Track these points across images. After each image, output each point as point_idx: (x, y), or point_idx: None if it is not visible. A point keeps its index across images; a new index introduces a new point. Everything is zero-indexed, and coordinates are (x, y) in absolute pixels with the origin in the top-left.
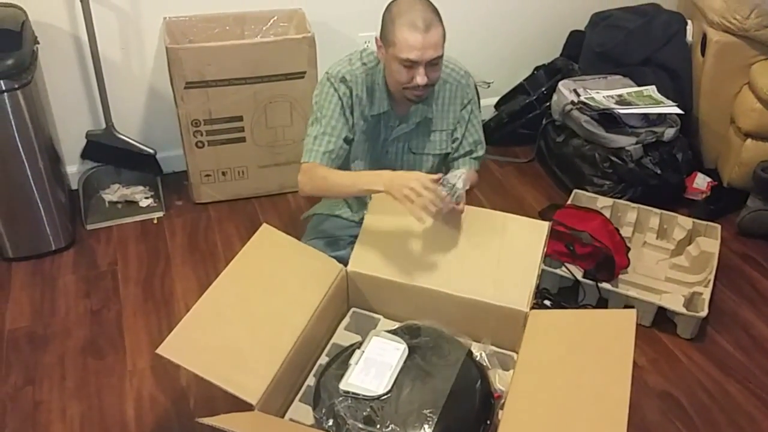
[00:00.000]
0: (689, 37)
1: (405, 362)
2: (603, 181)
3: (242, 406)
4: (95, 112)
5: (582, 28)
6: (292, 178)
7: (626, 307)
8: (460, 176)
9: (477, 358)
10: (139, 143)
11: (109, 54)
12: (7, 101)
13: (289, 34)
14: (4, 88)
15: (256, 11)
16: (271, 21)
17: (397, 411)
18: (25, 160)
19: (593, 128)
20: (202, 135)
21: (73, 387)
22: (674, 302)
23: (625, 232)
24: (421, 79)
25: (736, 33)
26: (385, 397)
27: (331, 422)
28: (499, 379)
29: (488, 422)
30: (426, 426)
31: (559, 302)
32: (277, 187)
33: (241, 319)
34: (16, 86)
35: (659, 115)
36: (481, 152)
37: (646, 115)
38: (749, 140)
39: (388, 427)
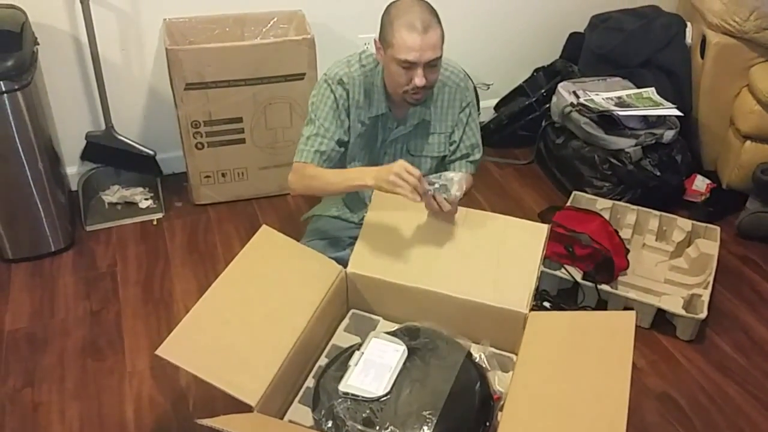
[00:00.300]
0: (689, 39)
1: (404, 364)
2: (602, 182)
3: (241, 407)
4: (95, 113)
5: (581, 30)
6: None
7: (625, 308)
8: (456, 180)
9: (476, 360)
10: (139, 144)
11: (109, 55)
12: (6, 102)
13: (288, 36)
14: (3, 89)
15: (256, 13)
16: (271, 22)
17: (397, 412)
18: (24, 161)
19: (593, 130)
20: (201, 136)
21: (73, 388)
22: (673, 304)
23: (625, 233)
24: (419, 80)
25: (736, 35)
26: (385, 398)
27: (330, 424)
28: (498, 381)
29: (487, 424)
30: (425, 427)
31: (558, 304)
32: (277, 189)
33: (241, 321)
34: (16, 87)
35: (658, 117)
36: (477, 156)
37: (645, 117)
38: (748, 142)
39: (387, 428)
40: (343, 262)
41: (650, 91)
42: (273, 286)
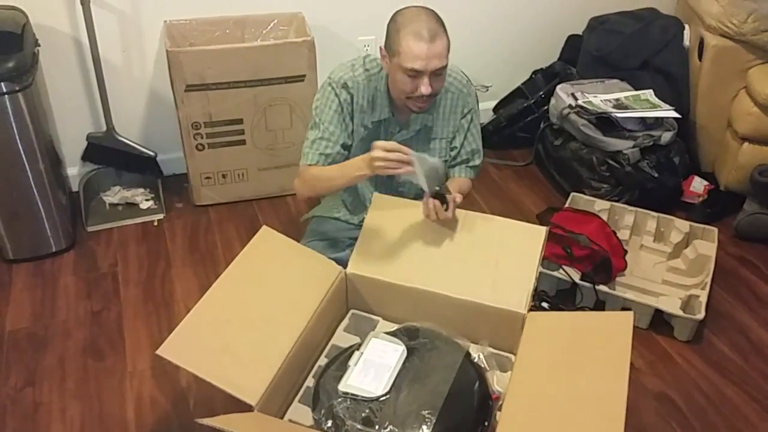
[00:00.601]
0: (686, 42)
1: (404, 364)
2: (600, 184)
3: (242, 407)
4: (96, 114)
5: (580, 32)
6: (291, 180)
7: (623, 309)
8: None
9: (475, 360)
10: (140, 145)
11: (110, 57)
12: (8, 103)
13: (289, 38)
14: (5, 90)
15: (256, 15)
16: (271, 24)
17: (396, 412)
18: (25, 162)
19: (591, 132)
20: (202, 137)
21: (74, 388)
22: (671, 305)
23: (623, 235)
24: (425, 88)
25: (733, 37)
26: (384, 398)
27: (330, 423)
28: (497, 381)
29: (486, 424)
30: (424, 427)
31: (556, 304)
32: (277, 190)
33: (241, 321)
34: (17, 88)
35: (656, 118)
36: (477, 161)
37: (643, 118)
38: (746, 144)
39: (386, 428)
40: (343, 263)
41: (648, 93)
42: (273, 286)
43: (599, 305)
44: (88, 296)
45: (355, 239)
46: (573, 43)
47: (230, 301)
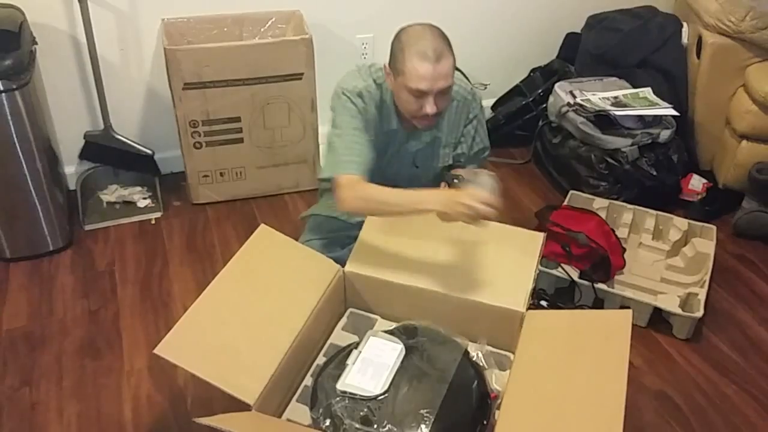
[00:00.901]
0: (685, 40)
1: (402, 362)
2: (599, 182)
3: (239, 406)
4: (93, 112)
5: (578, 30)
6: (289, 178)
7: (622, 307)
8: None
9: (474, 359)
10: (137, 144)
11: (108, 55)
12: (5, 102)
13: (286, 36)
14: (2, 88)
15: (254, 13)
16: (269, 22)
17: (394, 411)
18: (23, 161)
19: (589, 130)
20: (200, 136)
21: (71, 387)
22: (670, 303)
23: (621, 233)
24: (430, 108)
25: (732, 35)
26: (382, 397)
27: (328, 422)
28: (495, 380)
29: (485, 422)
30: (423, 426)
31: (555, 303)
32: (275, 188)
33: (239, 320)
34: (14, 87)
35: (655, 116)
36: (486, 154)
37: (641, 116)
38: (744, 142)
39: (385, 427)
40: (342, 262)
41: (646, 91)
42: (271, 285)
43: (598, 303)
44: (85, 295)
45: (355, 239)
46: (571, 41)
47: (228, 300)
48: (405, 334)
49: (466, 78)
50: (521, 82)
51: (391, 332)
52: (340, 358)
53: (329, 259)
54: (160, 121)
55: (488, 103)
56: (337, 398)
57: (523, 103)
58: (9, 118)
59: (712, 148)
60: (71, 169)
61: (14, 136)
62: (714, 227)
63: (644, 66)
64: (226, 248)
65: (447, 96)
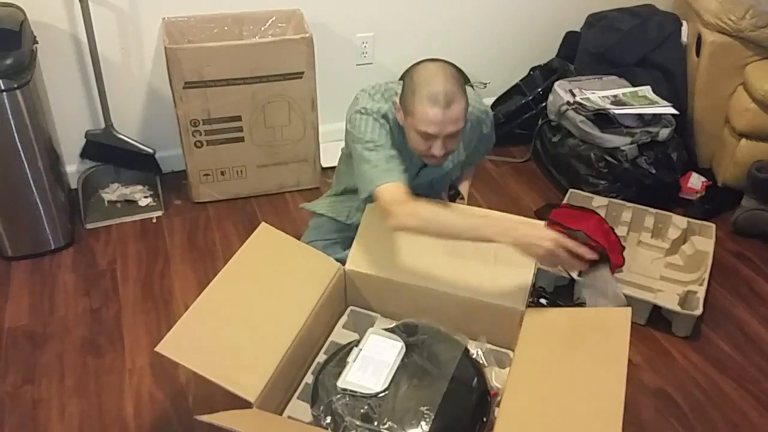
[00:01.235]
0: (684, 38)
1: (402, 360)
2: (598, 180)
3: (241, 403)
4: (94, 111)
5: (578, 29)
6: (290, 177)
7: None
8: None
9: (473, 356)
10: (138, 143)
11: (109, 54)
12: (6, 101)
13: (287, 35)
14: (3, 87)
15: (254, 12)
16: (270, 21)
17: (395, 408)
18: (24, 160)
19: (589, 128)
20: (200, 135)
21: (72, 385)
22: (669, 301)
23: (620, 231)
24: (438, 151)
25: (731, 34)
26: (383, 394)
27: (329, 419)
28: (495, 377)
29: (485, 419)
30: (423, 423)
31: (554, 300)
32: (276, 187)
33: (240, 318)
34: (15, 86)
35: (654, 115)
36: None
37: (641, 115)
38: (744, 140)
39: (385, 424)
40: (343, 262)
41: (646, 90)
42: (272, 283)
43: None
44: (86, 293)
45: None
46: (571, 39)
47: (229, 298)
48: (405, 331)
49: (468, 81)
50: (521, 80)
51: (391, 330)
52: (340, 355)
53: (330, 258)
54: (161, 119)
55: (488, 101)
56: (338, 396)
57: (523, 101)
58: (10, 117)
59: (712, 146)
60: (72, 167)
61: (15, 135)
62: (713, 225)
63: (644, 64)
64: (227, 247)
65: (457, 138)
